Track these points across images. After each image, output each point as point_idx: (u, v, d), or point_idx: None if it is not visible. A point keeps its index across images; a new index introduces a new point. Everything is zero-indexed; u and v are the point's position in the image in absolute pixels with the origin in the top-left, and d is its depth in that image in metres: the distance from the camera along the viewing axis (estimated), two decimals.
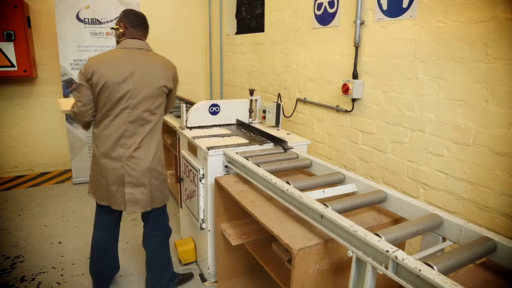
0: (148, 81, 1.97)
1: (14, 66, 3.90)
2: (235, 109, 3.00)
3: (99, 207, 2.20)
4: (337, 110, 2.75)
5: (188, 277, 2.54)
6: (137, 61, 1.96)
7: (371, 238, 1.21)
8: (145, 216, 2.23)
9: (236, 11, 4.66)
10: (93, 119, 2.05)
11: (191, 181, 2.51)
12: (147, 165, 2.02)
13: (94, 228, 2.27)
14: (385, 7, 2.27)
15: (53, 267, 2.65)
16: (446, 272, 1.06)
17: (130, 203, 2.03)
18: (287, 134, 2.78)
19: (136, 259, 2.76)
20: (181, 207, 2.90)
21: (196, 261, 2.72)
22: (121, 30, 2.02)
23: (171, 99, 2.18)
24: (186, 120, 2.78)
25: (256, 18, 4.27)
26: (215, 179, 2.18)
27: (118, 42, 2.06)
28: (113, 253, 2.37)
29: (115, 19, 4.01)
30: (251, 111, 3.08)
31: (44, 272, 2.59)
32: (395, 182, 2.34)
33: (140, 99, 1.96)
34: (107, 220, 2.25)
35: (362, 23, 2.44)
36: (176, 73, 2.13)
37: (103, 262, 2.32)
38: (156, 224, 2.25)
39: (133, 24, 2.02)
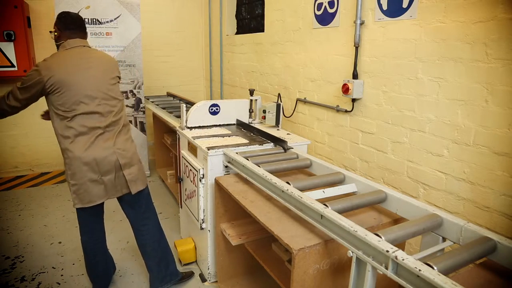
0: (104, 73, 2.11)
1: (14, 66, 3.90)
2: (235, 109, 3.00)
3: (81, 211, 2.15)
4: (337, 110, 2.75)
5: (188, 275, 2.56)
6: (90, 56, 2.10)
7: (371, 238, 1.21)
8: (138, 199, 2.23)
9: (236, 11, 4.66)
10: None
11: (191, 181, 2.51)
12: (134, 148, 2.19)
13: (81, 234, 2.24)
14: (385, 7, 2.27)
15: (53, 267, 2.65)
16: (446, 272, 1.06)
17: (132, 182, 2.12)
18: (287, 134, 2.78)
19: (136, 259, 2.76)
20: (181, 207, 2.90)
21: (196, 261, 2.72)
22: (56, 34, 2.10)
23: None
24: (186, 120, 2.78)
25: (256, 18, 4.27)
26: (215, 179, 2.18)
27: (58, 46, 2.12)
28: (104, 253, 2.38)
29: (115, 19, 4.01)
30: (251, 111, 3.08)
31: (44, 272, 2.59)
32: (395, 182, 2.34)
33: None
34: (92, 222, 2.24)
35: (362, 23, 2.44)
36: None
37: (98, 264, 2.33)
38: (150, 204, 2.33)
39: (69, 27, 2.08)
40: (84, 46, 2.12)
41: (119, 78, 2.23)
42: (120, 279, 2.54)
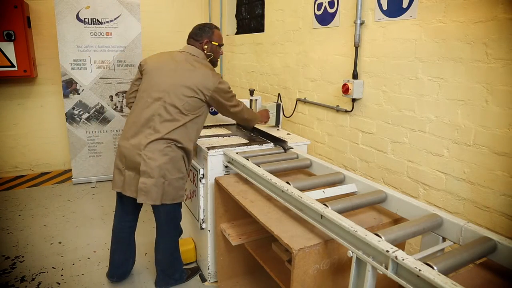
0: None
1: (14, 66, 3.90)
2: None
3: (116, 195, 2.31)
4: (337, 110, 2.75)
5: (195, 271, 2.58)
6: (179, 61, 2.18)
7: (371, 238, 1.21)
8: (156, 212, 2.23)
9: (236, 11, 4.66)
10: None
11: (191, 181, 2.51)
12: (161, 163, 2.05)
13: (114, 217, 2.39)
14: (385, 7, 2.27)
15: (53, 267, 2.65)
16: (446, 272, 1.06)
17: (141, 192, 2.06)
18: (287, 134, 2.78)
19: (137, 259, 2.75)
20: (181, 207, 2.90)
21: (196, 261, 2.72)
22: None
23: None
24: None
25: (256, 18, 4.27)
26: (215, 179, 2.18)
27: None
28: (126, 245, 2.41)
29: (115, 19, 4.01)
30: None
31: (44, 272, 2.59)
32: (395, 182, 2.34)
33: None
34: (121, 210, 2.35)
35: (362, 23, 2.44)
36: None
37: (115, 252, 2.41)
38: (169, 220, 2.25)
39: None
40: (181, 51, 2.22)
41: (203, 95, 2.08)
42: None
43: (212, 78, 2.09)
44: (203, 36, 2.22)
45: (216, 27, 2.30)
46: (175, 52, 2.22)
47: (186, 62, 2.13)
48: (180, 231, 2.38)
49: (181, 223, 2.37)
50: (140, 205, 2.31)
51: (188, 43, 2.26)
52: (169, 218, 2.25)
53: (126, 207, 2.32)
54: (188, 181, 2.60)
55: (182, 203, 2.81)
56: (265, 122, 2.83)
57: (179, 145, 2.09)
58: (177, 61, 2.14)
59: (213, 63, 2.32)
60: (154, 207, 2.18)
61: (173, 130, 2.06)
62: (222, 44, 2.34)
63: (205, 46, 2.22)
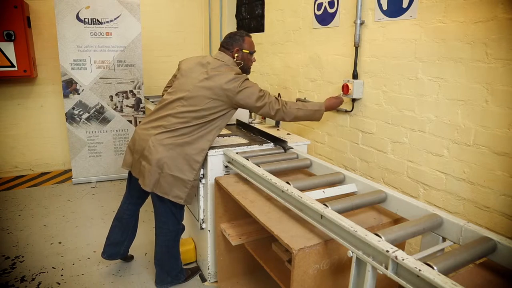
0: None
1: (14, 66, 3.90)
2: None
3: (127, 176, 2.47)
4: (337, 110, 2.75)
5: (195, 271, 2.59)
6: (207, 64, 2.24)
7: (371, 238, 1.21)
8: (154, 201, 2.28)
9: (236, 11, 4.66)
10: None
11: None
12: (163, 155, 2.11)
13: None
14: (385, 7, 2.27)
15: (53, 267, 2.65)
16: (446, 272, 1.06)
17: (141, 174, 2.18)
18: (287, 134, 2.78)
19: (136, 259, 2.76)
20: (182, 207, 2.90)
21: (196, 261, 2.72)
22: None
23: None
24: None
25: (256, 18, 4.27)
26: (215, 179, 2.18)
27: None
28: (126, 226, 2.51)
29: (115, 19, 4.01)
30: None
31: (44, 272, 2.59)
32: (395, 182, 2.34)
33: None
34: (128, 192, 2.48)
35: (362, 23, 2.44)
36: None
37: (113, 229, 2.53)
38: (164, 218, 2.29)
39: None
40: (213, 57, 2.27)
41: (226, 97, 2.10)
42: (120, 279, 2.54)
43: (234, 82, 2.10)
44: (234, 44, 2.26)
45: (247, 35, 2.31)
46: (208, 57, 2.27)
47: (214, 67, 2.17)
48: (181, 228, 2.38)
49: (181, 223, 2.37)
50: (146, 194, 2.36)
51: (219, 51, 2.29)
52: (166, 211, 2.27)
53: (132, 191, 2.44)
54: None
55: None
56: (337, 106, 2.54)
57: (187, 146, 2.12)
58: (205, 65, 2.19)
59: (245, 70, 2.34)
60: (153, 196, 2.23)
61: (185, 131, 2.12)
62: (254, 51, 2.35)
63: (236, 55, 2.25)
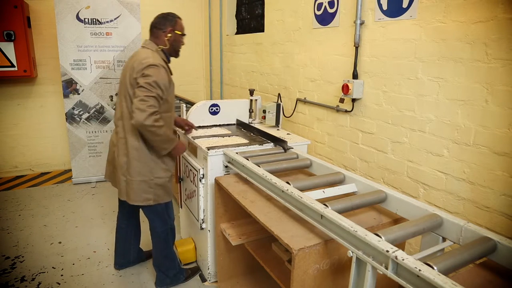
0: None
1: (14, 66, 3.90)
2: (235, 109, 2.99)
3: None
4: (337, 110, 2.75)
5: (195, 271, 2.59)
6: (133, 56, 2.19)
7: (371, 238, 1.21)
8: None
9: (236, 11, 4.66)
10: None
11: (191, 181, 2.51)
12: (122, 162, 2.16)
13: None
14: (385, 7, 2.27)
15: (53, 267, 2.65)
16: (446, 272, 1.06)
17: (117, 184, 2.24)
18: (287, 134, 2.78)
19: None
20: (181, 207, 2.90)
21: (196, 261, 2.72)
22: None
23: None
24: None
25: (256, 18, 4.27)
26: (215, 179, 2.18)
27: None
28: (125, 235, 2.55)
29: (115, 19, 4.01)
30: (251, 111, 3.08)
31: (44, 272, 2.59)
32: (395, 182, 2.34)
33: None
34: (119, 201, 2.48)
35: (362, 23, 2.44)
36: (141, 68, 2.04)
37: (117, 240, 2.58)
38: (150, 221, 2.33)
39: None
40: (142, 46, 2.21)
41: (138, 83, 1.99)
42: (120, 278, 2.54)
43: (145, 61, 2.00)
44: (167, 24, 2.17)
45: (179, 17, 2.25)
46: (135, 54, 2.18)
47: (139, 56, 2.11)
48: (169, 228, 2.36)
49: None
50: (128, 206, 2.35)
51: (150, 33, 2.21)
52: (151, 214, 2.29)
53: (121, 201, 2.41)
54: (188, 181, 2.60)
55: (182, 203, 2.82)
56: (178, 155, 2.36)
57: (135, 144, 2.09)
58: (134, 57, 2.15)
59: (176, 52, 2.27)
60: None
61: (129, 129, 2.10)
62: (185, 34, 2.27)
63: (169, 35, 2.17)
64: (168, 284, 2.43)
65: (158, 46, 2.15)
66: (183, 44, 2.27)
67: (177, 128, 2.56)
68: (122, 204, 2.45)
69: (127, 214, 2.50)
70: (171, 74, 2.17)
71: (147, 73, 1.97)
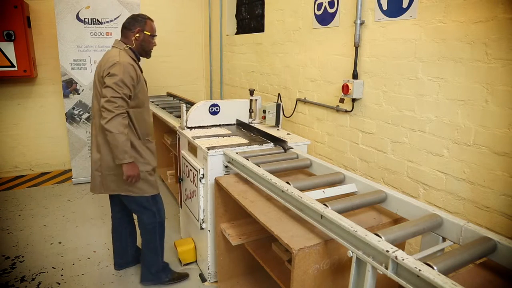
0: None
1: (14, 66, 3.90)
2: (235, 109, 2.99)
3: None
4: (337, 110, 2.75)
5: (182, 276, 2.54)
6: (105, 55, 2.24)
7: (371, 238, 1.21)
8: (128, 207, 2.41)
9: (236, 11, 4.66)
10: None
11: (191, 181, 2.51)
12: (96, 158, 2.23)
13: None
14: (385, 7, 2.27)
15: (53, 267, 2.65)
16: (446, 272, 1.06)
17: (92, 180, 2.30)
18: (287, 134, 2.78)
19: None
20: (181, 207, 2.90)
21: (196, 261, 2.72)
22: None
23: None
24: (186, 120, 2.77)
25: (256, 18, 4.27)
26: (215, 179, 2.18)
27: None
28: (120, 234, 2.56)
29: (115, 19, 4.01)
30: (251, 111, 3.08)
31: (44, 272, 2.59)
32: (395, 182, 2.34)
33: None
34: (109, 199, 2.53)
35: (362, 23, 2.44)
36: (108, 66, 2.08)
37: (114, 240, 2.58)
38: (137, 213, 2.37)
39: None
40: (112, 46, 2.25)
41: (104, 82, 2.03)
42: (120, 278, 2.54)
43: (111, 59, 2.06)
44: (136, 25, 2.21)
45: (149, 18, 2.28)
46: (106, 54, 2.22)
47: (107, 54, 2.17)
48: (158, 221, 2.38)
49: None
50: (118, 198, 2.39)
51: (121, 33, 2.26)
52: (136, 206, 2.32)
53: (112, 200, 2.51)
54: (188, 181, 2.60)
55: (182, 203, 2.82)
56: (129, 177, 2.12)
57: (106, 141, 2.12)
58: (104, 56, 2.20)
59: (146, 53, 2.31)
60: (120, 197, 2.32)
61: (100, 126, 2.14)
62: (155, 35, 2.30)
63: (137, 35, 2.21)
64: (151, 280, 2.44)
65: (126, 45, 2.20)
66: (154, 45, 2.32)
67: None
68: (113, 203, 2.50)
69: (120, 215, 2.53)
70: (141, 71, 2.23)
71: (113, 72, 2.02)
